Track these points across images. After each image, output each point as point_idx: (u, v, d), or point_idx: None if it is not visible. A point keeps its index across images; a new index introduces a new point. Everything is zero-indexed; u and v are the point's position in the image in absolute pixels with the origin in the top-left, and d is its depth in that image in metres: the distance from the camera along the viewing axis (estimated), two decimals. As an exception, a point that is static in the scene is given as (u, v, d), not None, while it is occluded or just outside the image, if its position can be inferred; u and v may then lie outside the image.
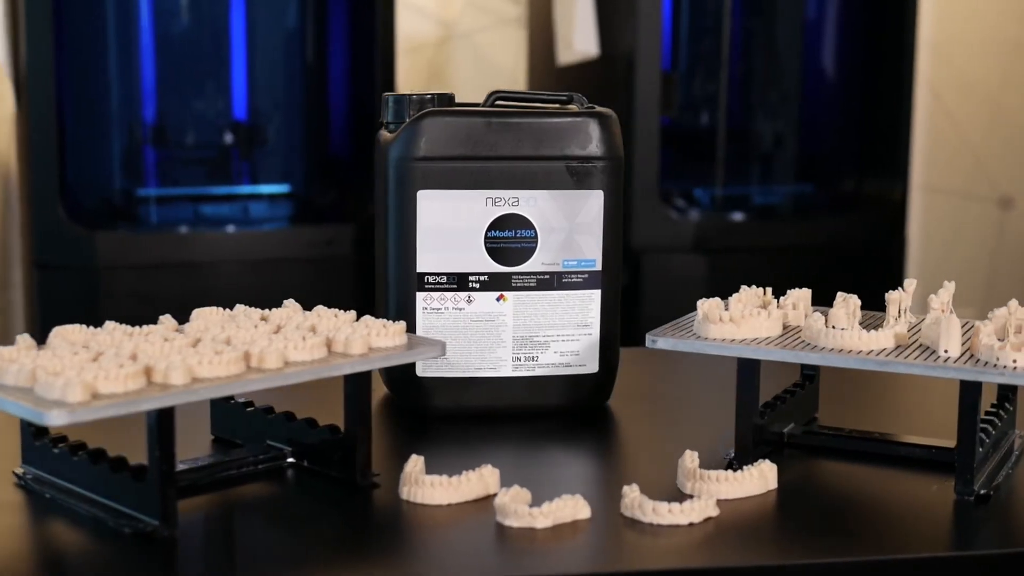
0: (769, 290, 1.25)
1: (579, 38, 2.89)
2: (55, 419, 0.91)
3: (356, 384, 1.08)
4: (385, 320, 1.12)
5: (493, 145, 1.24)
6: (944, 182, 3.61)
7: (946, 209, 3.62)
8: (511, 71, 3.50)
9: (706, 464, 1.10)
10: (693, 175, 3.04)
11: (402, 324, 1.12)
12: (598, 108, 1.28)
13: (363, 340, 1.08)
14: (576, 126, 1.25)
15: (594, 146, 1.25)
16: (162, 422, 0.97)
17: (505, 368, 1.27)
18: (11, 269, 3.18)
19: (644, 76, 2.82)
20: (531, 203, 1.25)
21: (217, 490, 1.09)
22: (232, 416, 1.18)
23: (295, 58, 2.95)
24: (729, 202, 3.03)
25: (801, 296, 1.23)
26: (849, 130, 3.13)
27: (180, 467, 1.09)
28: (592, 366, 1.28)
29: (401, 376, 1.27)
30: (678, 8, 2.97)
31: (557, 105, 1.29)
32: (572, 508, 1.01)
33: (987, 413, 1.16)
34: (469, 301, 1.25)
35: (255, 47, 2.87)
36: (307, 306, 1.19)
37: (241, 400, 1.18)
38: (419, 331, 1.26)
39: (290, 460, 1.14)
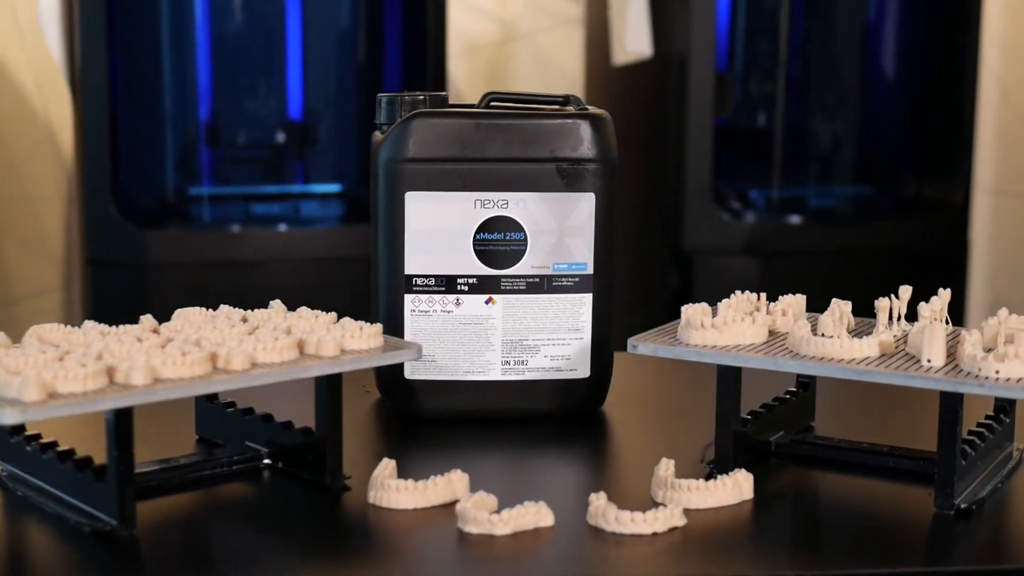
0: (763, 296, 1.22)
1: (631, 38, 2.87)
2: (7, 418, 0.91)
3: (327, 386, 1.08)
4: (362, 323, 1.12)
5: (482, 146, 1.23)
6: (1013, 184, 3.53)
7: (1014, 212, 3.54)
8: (571, 72, 3.49)
9: (690, 472, 1.09)
10: (749, 177, 3.01)
11: (378, 327, 1.11)
12: (592, 109, 1.27)
13: (335, 342, 1.08)
14: (566, 127, 1.24)
15: (585, 148, 1.24)
16: (120, 422, 0.97)
17: (494, 372, 1.25)
18: (75, 267, 3.24)
19: (697, 77, 2.79)
20: (520, 205, 1.24)
21: (189, 490, 1.09)
22: (214, 417, 1.18)
23: (349, 58, 2.96)
24: (785, 204, 2.99)
25: (792, 302, 1.21)
26: (910, 131, 3.07)
27: (152, 467, 1.09)
28: (583, 371, 1.27)
29: (390, 379, 1.27)
30: (735, 8, 2.94)
31: (554, 107, 1.28)
32: (534, 515, 1.00)
33: (979, 424, 1.13)
34: (458, 304, 1.24)
35: (309, 46, 2.88)
36: (357, 306, 1.19)
37: (223, 401, 1.18)
38: (407, 333, 1.25)
39: (266, 462, 1.14)
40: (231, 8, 2.84)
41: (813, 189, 3.03)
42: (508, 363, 1.25)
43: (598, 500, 1.01)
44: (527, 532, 0.99)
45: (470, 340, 1.25)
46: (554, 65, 3.54)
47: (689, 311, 1.14)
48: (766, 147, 2.98)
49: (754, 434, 1.16)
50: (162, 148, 2.83)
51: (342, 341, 1.09)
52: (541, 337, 1.25)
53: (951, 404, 1.03)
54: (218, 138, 2.85)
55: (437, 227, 1.24)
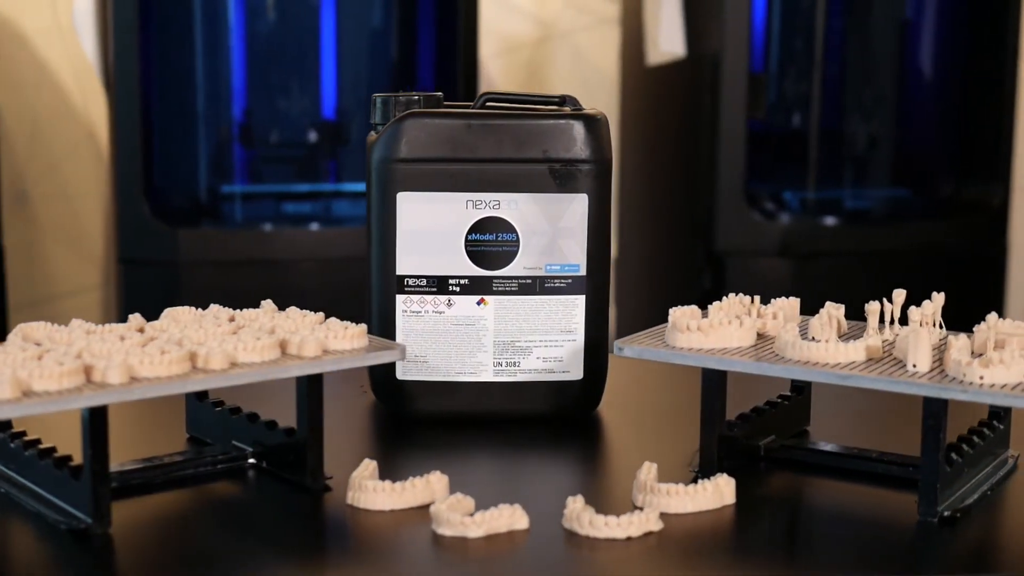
0: (757, 299, 1.21)
1: (665, 38, 2.85)
2: (-22, 415, 0.92)
3: (308, 387, 1.08)
4: (348, 323, 1.12)
5: (474, 147, 1.22)
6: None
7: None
8: (608, 71, 3.48)
9: (678, 477, 1.08)
10: (783, 178, 2.99)
11: (362, 327, 1.11)
12: (587, 110, 1.26)
13: (317, 343, 1.08)
14: (559, 128, 1.23)
15: (578, 148, 1.23)
16: (94, 420, 0.98)
17: (486, 373, 1.25)
18: (112, 265, 3.26)
19: (730, 77, 2.78)
20: (512, 206, 1.23)
21: (171, 489, 1.09)
22: (203, 416, 1.19)
23: (382, 57, 2.97)
24: (820, 206, 2.97)
25: (784, 305, 1.19)
26: (947, 131, 3.04)
27: (135, 466, 1.10)
28: (576, 373, 1.26)
29: (383, 380, 1.26)
30: (771, 7, 2.91)
31: (550, 108, 1.27)
32: (508, 518, 0.99)
33: (971, 431, 1.11)
34: (449, 305, 1.24)
35: (343, 46, 2.89)
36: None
37: (212, 400, 1.19)
38: (399, 334, 1.25)
39: (251, 461, 1.14)
40: (265, 7, 2.85)
41: (848, 191, 3.01)
42: (500, 364, 1.25)
43: (574, 503, 1.01)
44: (501, 535, 0.98)
45: (462, 341, 1.24)
46: (591, 65, 3.53)
47: (676, 313, 1.14)
48: (801, 148, 2.96)
49: (742, 438, 1.14)
50: (195, 147, 2.85)
51: (325, 341, 1.09)
52: (533, 339, 1.25)
53: (934, 410, 1.02)
54: (251, 137, 2.86)
55: (429, 228, 1.23)
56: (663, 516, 1.02)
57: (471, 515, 0.99)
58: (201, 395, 1.19)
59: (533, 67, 3.55)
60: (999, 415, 1.15)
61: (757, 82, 2.83)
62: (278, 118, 2.88)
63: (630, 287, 3.32)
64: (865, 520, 1.05)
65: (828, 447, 1.17)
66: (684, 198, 3.00)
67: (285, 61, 2.90)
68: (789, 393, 1.22)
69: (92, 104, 3.32)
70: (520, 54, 3.54)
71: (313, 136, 2.88)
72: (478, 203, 1.23)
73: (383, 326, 1.25)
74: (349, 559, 0.98)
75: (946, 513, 1.02)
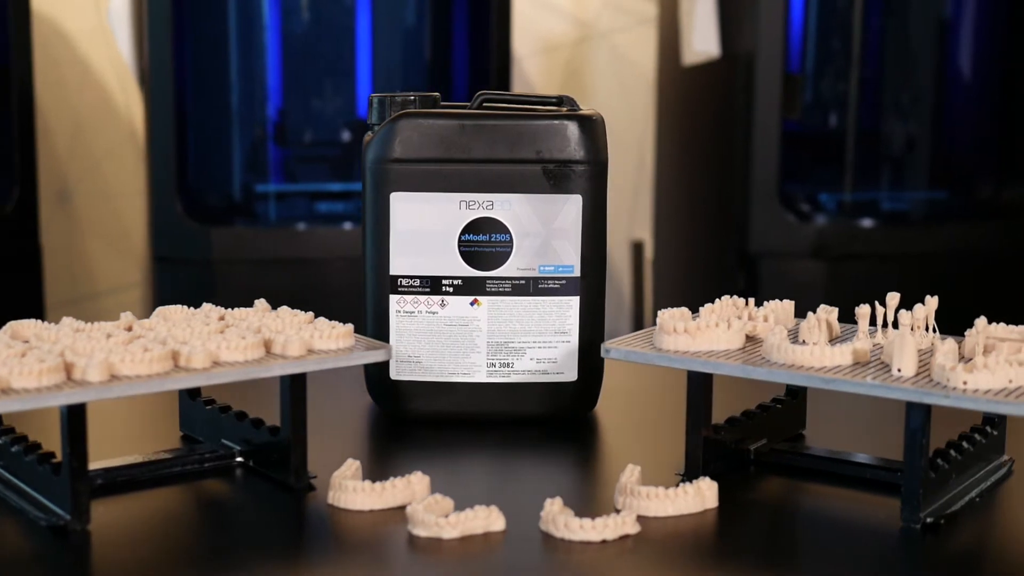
0: (751, 301, 1.20)
1: (699, 38, 2.84)
2: (-46, 412, 0.93)
3: (291, 386, 1.08)
4: (335, 323, 1.12)
5: (467, 147, 1.22)
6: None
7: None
8: (646, 72, 3.46)
9: (667, 480, 1.07)
10: (820, 179, 2.96)
11: (350, 327, 1.11)
12: (583, 111, 1.25)
13: (301, 342, 1.08)
14: (553, 128, 1.23)
15: (572, 149, 1.23)
16: (72, 418, 0.98)
17: (480, 374, 1.25)
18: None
19: (764, 77, 2.76)
20: (506, 207, 1.23)
21: (156, 487, 1.10)
22: (195, 414, 1.19)
23: (416, 57, 2.97)
24: (857, 208, 2.94)
25: (777, 308, 1.18)
26: (987, 133, 3.00)
27: (122, 463, 1.11)
28: (571, 374, 1.25)
29: (377, 379, 1.27)
30: (808, 8, 2.89)
31: (547, 108, 1.27)
32: (484, 520, 0.99)
33: (962, 436, 1.10)
34: (443, 305, 1.24)
35: (378, 45, 2.90)
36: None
37: (204, 399, 1.19)
38: (392, 334, 1.25)
39: (239, 460, 1.14)
40: (300, 7, 2.86)
41: (886, 192, 2.98)
42: (494, 365, 1.25)
43: (551, 505, 1.00)
44: (476, 536, 0.98)
45: (455, 342, 1.24)
46: (630, 65, 3.52)
47: (664, 315, 1.13)
48: (838, 149, 2.93)
49: (730, 442, 1.13)
50: (230, 146, 2.87)
51: (311, 341, 1.09)
52: (527, 340, 1.24)
53: (917, 415, 1.00)
54: (285, 136, 2.88)
55: (422, 228, 1.23)
56: (643, 520, 1.01)
57: (447, 516, 0.98)
58: (193, 393, 1.20)
59: (572, 67, 3.54)
60: (993, 420, 1.14)
61: (792, 82, 2.81)
62: (312, 117, 2.89)
63: (666, 287, 3.31)
64: (849, 526, 1.04)
65: (818, 451, 1.16)
66: (719, 199, 2.98)
67: (320, 60, 2.91)
68: (784, 397, 1.21)
69: (133, 104, 3.35)
70: (559, 54, 3.54)
71: (347, 135, 2.89)
72: (471, 203, 1.23)
73: (377, 326, 1.25)
74: (322, 558, 0.98)
75: (929, 520, 1.00)
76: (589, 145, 1.23)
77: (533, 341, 1.25)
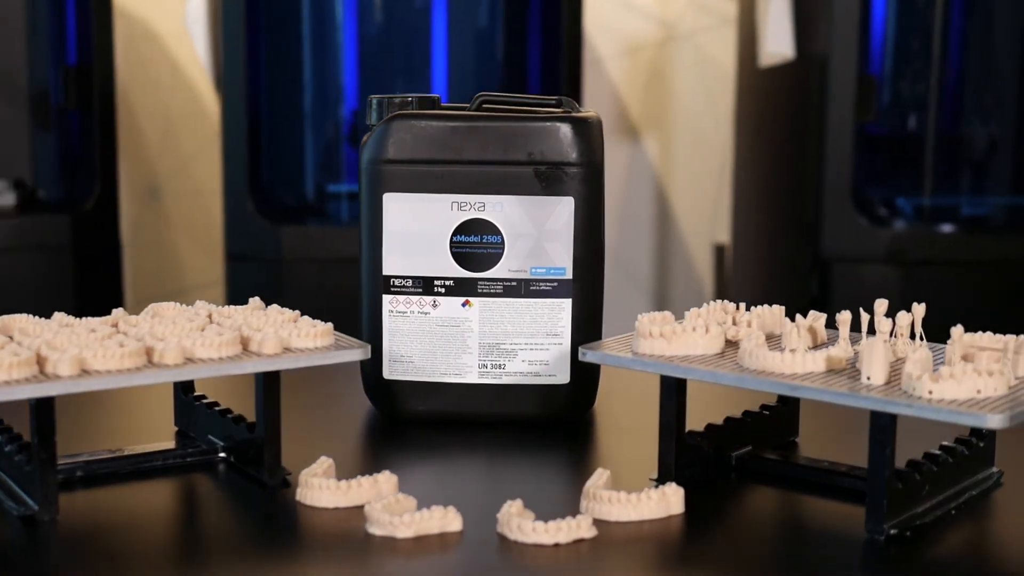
0: (743, 306, 1.19)
1: (772, 39, 2.81)
2: (-81, 403, 0.96)
3: (265, 384, 1.09)
4: (317, 322, 1.13)
5: (459, 149, 1.23)
6: None
7: None
8: (730, 72, 3.43)
9: (647, 485, 1.07)
10: (899, 183, 2.91)
11: (329, 326, 1.12)
12: (580, 113, 1.25)
13: (277, 340, 1.09)
14: (545, 130, 1.23)
15: (564, 151, 1.22)
16: (41, 411, 1.01)
17: (471, 375, 1.25)
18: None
19: (838, 79, 2.72)
20: (497, 208, 1.23)
21: (136, 480, 1.11)
22: (188, 409, 1.21)
23: (490, 58, 2.98)
24: (935, 212, 2.88)
25: (763, 313, 1.17)
26: (1073, 137, 2.93)
27: (103, 456, 1.13)
28: (563, 377, 1.25)
29: (371, 378, 1.27)
30: (887, 8, 2.84)
31: (546, 110, 1.27)
32: (440, 520, 0.99)
33: (942, 447, 1.08)
34: (435, 305, 1.25)
35: (453, 46, 2.91)
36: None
37: (196, 395, 1.21)
38: (385, 334, 1.25)
39: (222, 456, 1.16)
40: (374, 7, 2.89)
41: (966, 197, 2.92)
42: (485, 366, 1.25)
43: (509, 507, 1.00)
44: (432, 536, 0.99)
45: (447, 342, 1.25)
46: (714, 66, 3.49)
47: (644, 319, 1.12)
48: (917, 152, 2.88)
49: (709, 448, 1.12)
50: (303, 146, 2.91)
51: (288, 340, 1.10)
52: (519, 341, 1.24)
53: (881, 424, 0.98)
54: (359, 137, 2.90)
55: (415, 229, 1.24)
56: (605, 525, 1.01)
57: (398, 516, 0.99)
58: (187, 389, 1.22)
59: (655, 68, 3.52)
60: (980, 432, 1.11)
61: (868, 84, 2.76)
62: (386, 118, 2.91)
63: (745, 291, 3.28)
64: (815, 535, 1.02)
65: (800, 460, 1.14)
66: (794, 202, 2.95)
67: (394, 61, 2.94)
68: (775, 404, 1.20)
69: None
70: (642, 55, 3.52)
71: (420, 136, 2.90)
72: (463, 205, 1.23)
73: (372, 326, 1.26)
74: (276, 553, 0.99)
75: (893, 531, 0.98)
76: (582, 147, 1.23)
77: (525, 343, 1.24)
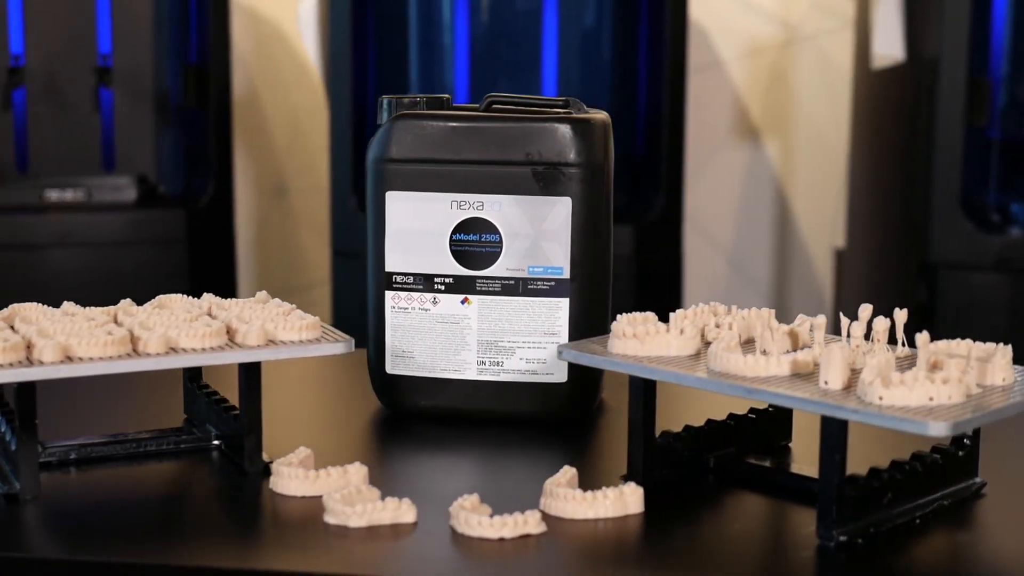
0: (734, 308, 1.18)
1: (881, 41, 2.76)
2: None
3: (247, 374, 1.13)
4: (306, 315, 1.16)
5: (459, 148, 1.24)
6: None
7: None
8: (850, 75, 3.38)
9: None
10: (1013, 189, 2.83)
11: (316, 319, 1.15)
12: (583, 114, 1.26)
13: (261, 332, 1.12)
14: (544, 131, 1.23)
15: (563, 151, 1.23)
16: (22, 394, 1.05)
17: (470, 371, 1.27)
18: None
19: (948, 81, 2.66)
20: (496, 207, 1.24)
21: (127, 464, 1.16)
22: (192, 398, 1.25)
23: (599, 61, 2.98)
24: (1051, 220, 2.80)
25: (749, 316, 1.16)
26: None
27: (96, 440, 1.18)
28: (560, 375, 1.26)
29: (376, 372, 1.30)
30: (1003, 9, 2.77)
31: (551, 110, 1.28)
32: (393, 512, 1.01)
33: (914, 455, 1.06)
34: (435, 302, 1.27)
35: (564, 49, 2.92)
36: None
37: (200, 383, 1.25)
38: (387, 329, 1.28)
39: (216, 443, 1.20)
40: (481, 9, 2.92)
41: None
42: (484, 363, 1.26)
43: (461, 502, 1.02)
44: (384, 527, 1.01)
45: (446, 338, 1.27)
46: (835, 68, 3.44)
47: (622, 319, 1.12)
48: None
49: (684, 449, 1.12)
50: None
51: (273, 332, 1.14)
52: (516, 339, 1.26)
53: (832, 429, 0.97)
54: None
55: (416, 227, 1.26)
56: (559, 521, 1.02)
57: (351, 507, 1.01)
58: (194, 377, 1.26)
59: (776, 70, 3.48)
60: (961, 440, 1.09)
61: (980, 87, 2.69)
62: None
63: (858, 293, 3.22)
64: (771, 539, 1.02)
65: (781, 464, 1.13)
66: (905, 206, 2.89)
67: (504, 64, 2.96)
68: (768, 407, 1.19)
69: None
70: (764, 56, 3.49)
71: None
72: (462, 204, 1.25)
73: (376, 321, 1.28)
74: (235, 536, 1.02)
75: (843, 538, 0.97)
76: (581, 147, 1.23)
77: (523, 341, 1.26)
